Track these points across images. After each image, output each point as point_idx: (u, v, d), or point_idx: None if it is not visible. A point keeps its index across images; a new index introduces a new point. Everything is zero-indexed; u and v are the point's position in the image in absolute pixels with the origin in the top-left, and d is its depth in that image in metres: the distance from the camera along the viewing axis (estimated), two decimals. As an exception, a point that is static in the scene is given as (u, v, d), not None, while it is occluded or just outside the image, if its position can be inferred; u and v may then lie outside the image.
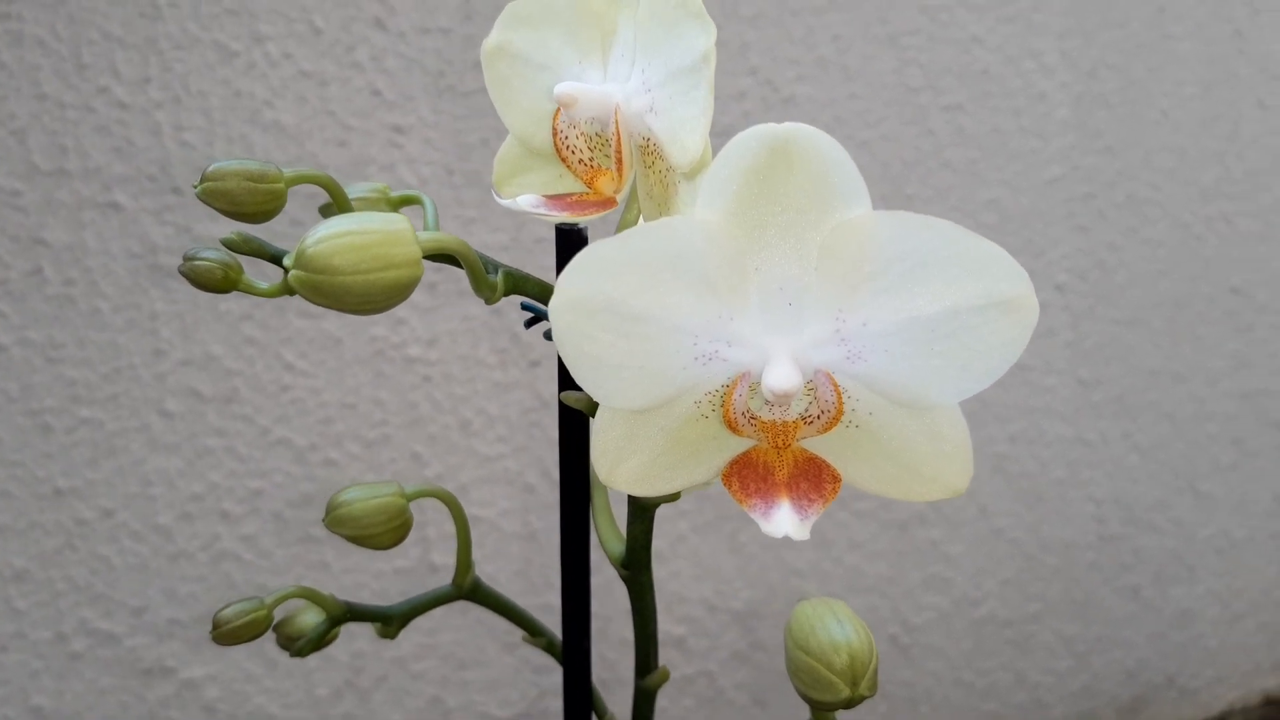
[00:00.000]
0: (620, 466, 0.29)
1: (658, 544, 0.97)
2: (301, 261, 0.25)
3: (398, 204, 0.36)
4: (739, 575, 0.98)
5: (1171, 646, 1.18)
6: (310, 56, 0.80)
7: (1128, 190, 1.09)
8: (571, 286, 0.27)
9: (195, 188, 0.30)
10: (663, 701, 0.99)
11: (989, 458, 1.06)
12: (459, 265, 0.29)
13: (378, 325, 0.84)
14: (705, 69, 0.30)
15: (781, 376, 0.27)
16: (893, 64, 0.97)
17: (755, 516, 0.28)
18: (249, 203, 0.29)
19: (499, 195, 0.36)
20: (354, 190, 0.35)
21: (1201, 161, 1.12)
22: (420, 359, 0.85)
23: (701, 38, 0.30)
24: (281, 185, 0.30)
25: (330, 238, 0.25)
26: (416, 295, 0.85)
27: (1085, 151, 1.07)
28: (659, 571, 0.96)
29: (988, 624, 1.09)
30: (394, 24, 0.82)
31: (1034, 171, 1.05)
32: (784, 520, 0.28)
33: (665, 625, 0.96)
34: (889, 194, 0.98)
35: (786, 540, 0.38)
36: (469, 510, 0.88)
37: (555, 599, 0.91)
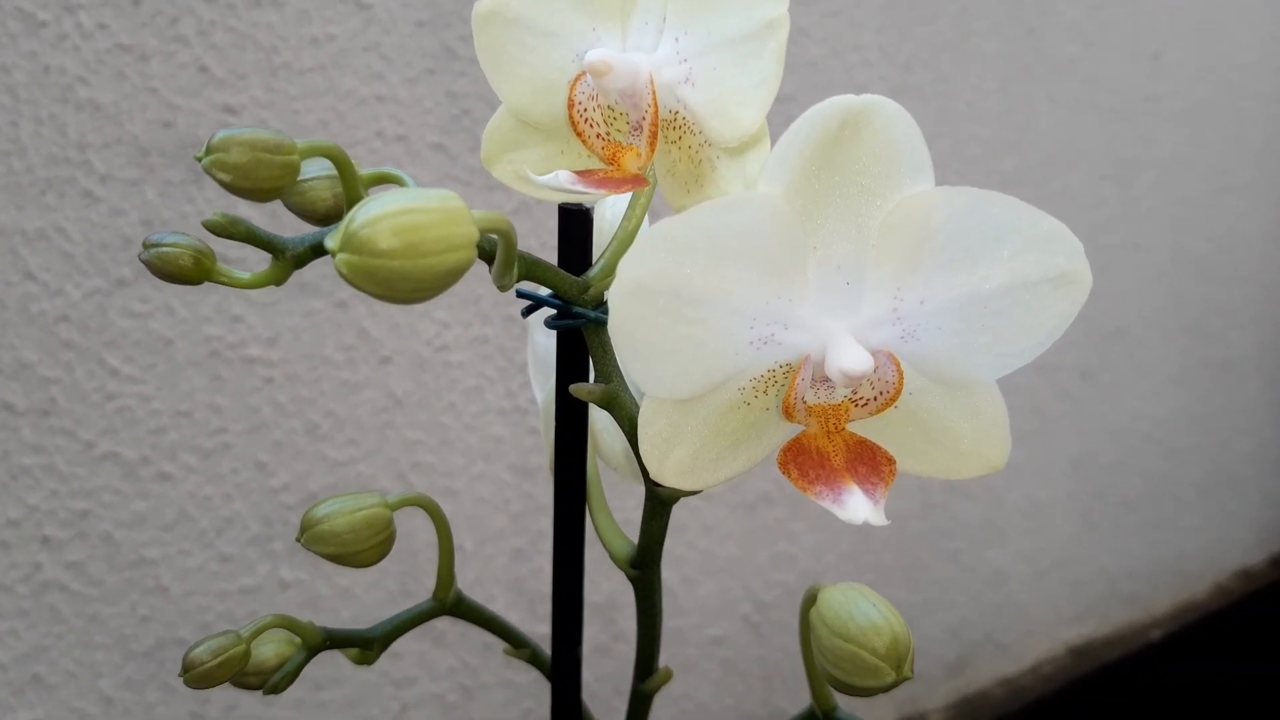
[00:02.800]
0: (668, 459, 0.28)
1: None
2: (352, 244, 0.22)
3: (370, 182, 0.32)
4: (596, 568, 0.97)
5: (988, 605, 1.26)
6: (129, 28, 0.72)
7: (940, 177, 1.16)
8: (638, 270, 0.25)
9: (199, 159, 0.26)
10: (527, 702, 0.97)
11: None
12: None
13: (212, 324, 0.78)
14: (771, 37, 0.28)
15: (853, 359, 0.26)
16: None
17: (825, 504, 0.27)
18: (263, 177, 0.25)
19: (515, 186, 0.33)
20: (321, 167, 0.31)
21: (1002, 150, 1.21)
22: (261, 359, 0.79)
23: (766, 3, 0.28)
24: (297, 158, 0.26)
25: (384, 217, 0.22)
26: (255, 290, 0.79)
27: (904, 141, 1.12)
28: (516, 570, 0.93)
29: (829, 597, 1.13)
30: (222, -5, 0.76)
31: (859, 160, 1.09)
32: (859, 505, 0.27)
33: (529, 625, 0.94)
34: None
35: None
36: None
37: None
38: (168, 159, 0.75)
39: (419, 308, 0.87)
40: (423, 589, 0.87)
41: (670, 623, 1.01)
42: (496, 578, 0.91)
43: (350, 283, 0.22)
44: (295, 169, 0.26)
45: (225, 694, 0.79)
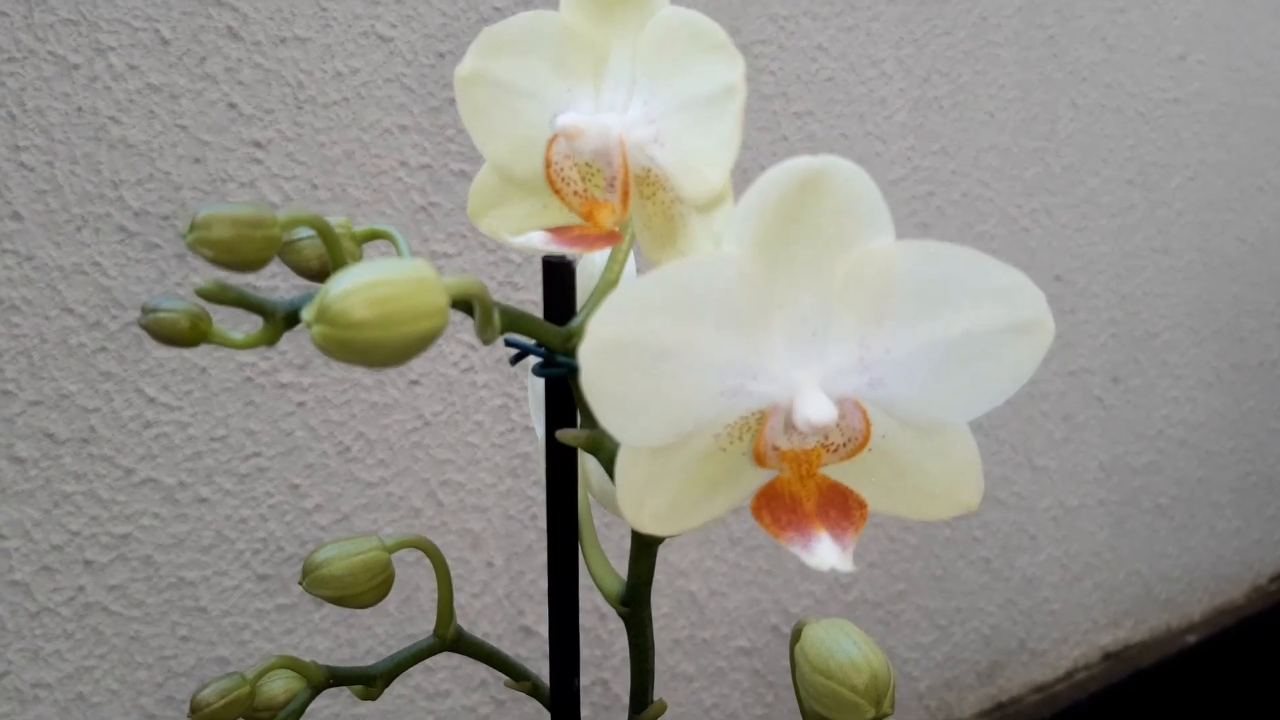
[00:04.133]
0: (645, 507, 0.29)
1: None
2: (325, 316, 0.24)
3: (362, 239, 0.34)
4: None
5: (1020, 612, 1.26)
6: (159, 69, 0.75)
7: (962, 188, 1.16)
8: (606, 329, 0.26)
9: (184, 236, 0.27)
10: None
11: (852, 448, 1.10)
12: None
13: (245, 352, 0.80)
14: (730, 101, 0.30)
15: (817, 409, 0.27)
16: (746, 72, 1.00)
17: (795, 550, 0.28)
18: (247, 251, 0.27)
19: (482, 230, 0.34)
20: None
21: (1024, 159, 1.20)
22: (293, 384, 0.82)
23: (724, 69, 0.30)
24: (278, 231, 0.27)
25: (356, 290, 0.24)
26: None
27: (924, 153, 1.12)
28: (542, 582, 0.95)
29: (859, 605, 1.13)
30: (248, 33, 0.78)
31: (878, 173, 1.09)
32: (828, 552, 0.28)
33: (557, 638, 0.95)
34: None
35: (669, 542, 0.38)
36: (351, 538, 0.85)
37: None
38: (199, 194, 0.77)
39: (446, 330, 0.89)
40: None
41: (700, 633, 1.03)
42: (526, 592, 0.93)
43: (325, 352, 0.24)
44: (277, 242, 0.27)
45: (262, 710, 0.82)
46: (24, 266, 0.71)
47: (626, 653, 0.39)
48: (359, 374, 0.84)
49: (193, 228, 0.27)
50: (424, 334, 0.25)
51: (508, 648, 0.93)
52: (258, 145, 0.79)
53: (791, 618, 1.08)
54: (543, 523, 0.95)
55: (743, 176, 0.99)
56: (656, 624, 0.99)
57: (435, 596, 0.88)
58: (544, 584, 0.94)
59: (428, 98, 0.85)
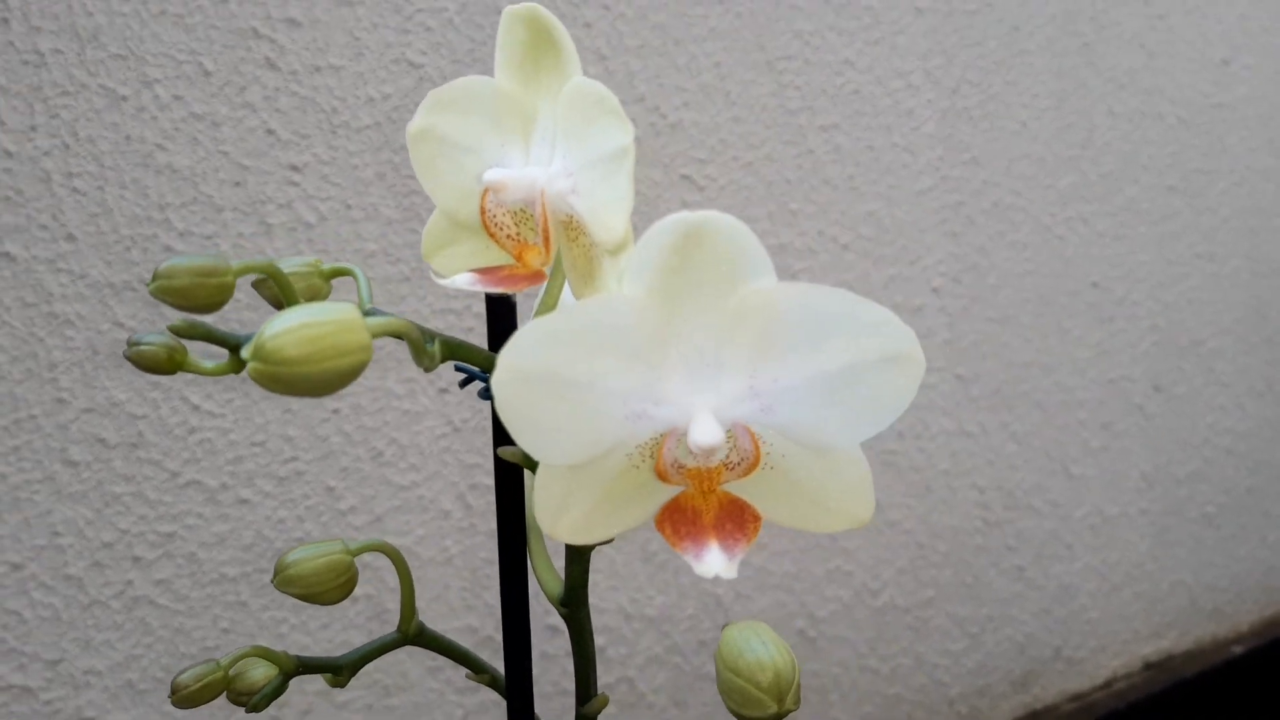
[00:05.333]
0: (562, 519, 0.32)
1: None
2: (260, 354, 0.27)
3: (329, 275, 0.38)
4: (651, 583, 1.01)
5: (1056, 621, 1.26)
6: (201, 98, 0.80)
7: (994, 197, 1.17)
8: (514, 360, 0.29)
9: (148, 286, 0.31)
10: (583, 712, 1.02)
11: (880, 454, 1.12)
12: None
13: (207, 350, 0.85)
14: (624, 160, 0.33)
15: (705, 433, 0.30)
16: (771, 88, 1.02)
17: (688, 559, 0.31)
18: (200, 296, 0.31)
19: (433, 271, 0.38)
20: (287, 265, 0.37)
21: (1059, 167, 1.21)
22: (329, 395, 0.86)
23: (618, 134, 0.33)
24: (230, 278, 0.31)
25: (286, 331, 0.27)
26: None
27: (953, 164, 1.13)
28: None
29: (887, 612, 1.14)
30: (285, 63, 0.83)
31: (906, 184, 1.11)
32: (714, 561, 0.31)
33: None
34: (775, 212, 1.03)
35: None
36: (384, 539, 0.90)
37: (474, 620, 0.93)
38: (239, 214, 0.83)
39: (477, 339, 0.93)
40: (481, 602, 0.93)
41: (724, 637, 1.05)
42: (551, 594, 0.96)
43: (260, 385, 0.28)
44: (230, 288, 0.31)
45: (301, 699, 0.87)
46: (78, 284, 0.77)
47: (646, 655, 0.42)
48: (391, 383, 0.88)
49: (156, 278, 0.31)
50: (349, 368, 0.28)
51: (535, 644, 0.97)
52: (294, 169, 0.84)
53: (818, 622, 1.10)
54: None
55: (768, 190, 1.02)
56: (683, 625, 1.02)
57: (463, 598, 0.91)
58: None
59: (457, 119, 0.89)
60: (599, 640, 0.99)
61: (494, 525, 0.94)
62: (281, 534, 0.85)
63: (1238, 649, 1.36)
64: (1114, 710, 1.26)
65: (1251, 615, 1.42)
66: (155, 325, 0.80)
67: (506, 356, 0.29)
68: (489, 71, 0.96)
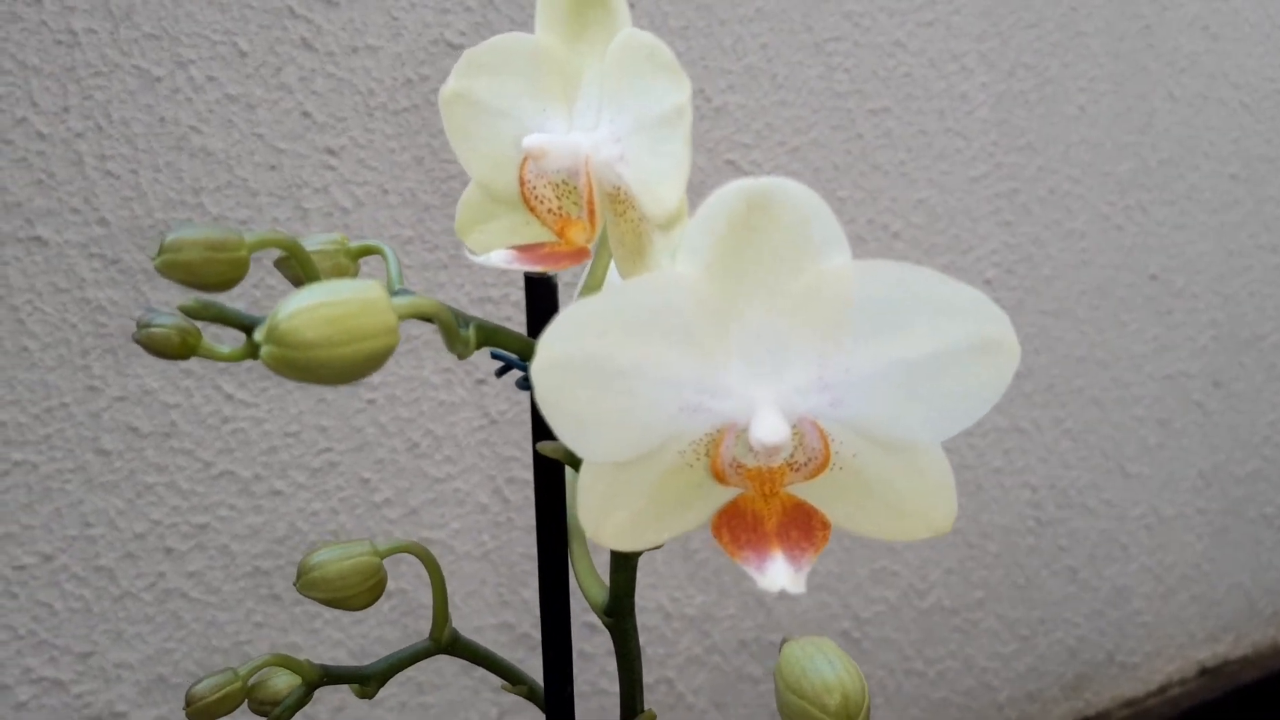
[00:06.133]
0: (607, 522, 0.29)
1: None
2: (274, 337, 0.25)
3: (357, 254, 0.35)
4: (691, 581, 0.98)
5: (1109, 624, 1.21)
6: (236, 79, 0.78)
7: (1049, 184, 1.12)
8: (555, 346, 0.27)
9: (153, 260, 0.29)
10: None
11: (929, 451, 1.08)
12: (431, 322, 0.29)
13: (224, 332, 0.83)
14: (679, 122, 0.30)
15: (769, 429, 0.27)
16: (819, 70, 0.98)
17: (749, 570, 0.28)
18: (210, 274, 0.28)
19: (468, 248, 0.35)
20: (311, 242, 0.34)
21: (1117, 154, 1.16)
22: (363, 382, 0.84)
23: (673, 91, 0.30)
24: (244, 253, 0.29)
25: (303, 311, 0.25)
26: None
27: (1007, 149, 1.09)
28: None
29: (935, 613, 1.11)
30: (321, 44, 0.81)
31: (959, 170, 1.07)
32: (779, 573, 0.28)
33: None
34: (822, 198, 0.99)
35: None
36: (420, 534, 0.88)
37: (510, 616, 0.91)
38: (275, 199, 0.81)
39: (515, 327, 0.91)
40: (518, 598, 0.91)
41: (767, 636, 1.02)
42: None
43: (275, 371, 0.25)
44: (243, 264, 0.29)
45: (333, 694, 0.85)
46: (110, 269, 0.76)
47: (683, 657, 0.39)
48: (428, 372, 0.86)
49: (162, 250, 0.28)
50: (372, 353, 0.26)
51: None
52: (331, 152, 0.82)
53: (862, 623, 1.07)
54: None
55: (814, 176, 0.98)
56: (724, 624, 0.99)
57: (499, 594, 0.89)
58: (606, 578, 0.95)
59: (495, 102, 0.87)
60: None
61: (531, 520, 0.92)
62: (315, 526, 0.83)
63: (1299, 655, 1.31)
64: (1168, 717, 1.21)
65: (1314, 621, 1.36)
66: (188, 312, 0.78)
67: (546, 342, 0.26)
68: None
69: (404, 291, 0.30)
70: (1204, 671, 1.27)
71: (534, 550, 0.94)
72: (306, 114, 0.81)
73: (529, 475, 0.91)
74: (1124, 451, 1.20)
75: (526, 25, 0.93)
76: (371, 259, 0.38)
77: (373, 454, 0.85)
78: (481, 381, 0.88)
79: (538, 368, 0.27)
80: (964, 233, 1.07)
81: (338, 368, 0.25)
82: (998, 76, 1.08)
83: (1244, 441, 1.28)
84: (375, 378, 0.85)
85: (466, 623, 0.89)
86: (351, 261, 0.35)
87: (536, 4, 0.34)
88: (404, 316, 0.26)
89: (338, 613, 0.85)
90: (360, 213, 0.83)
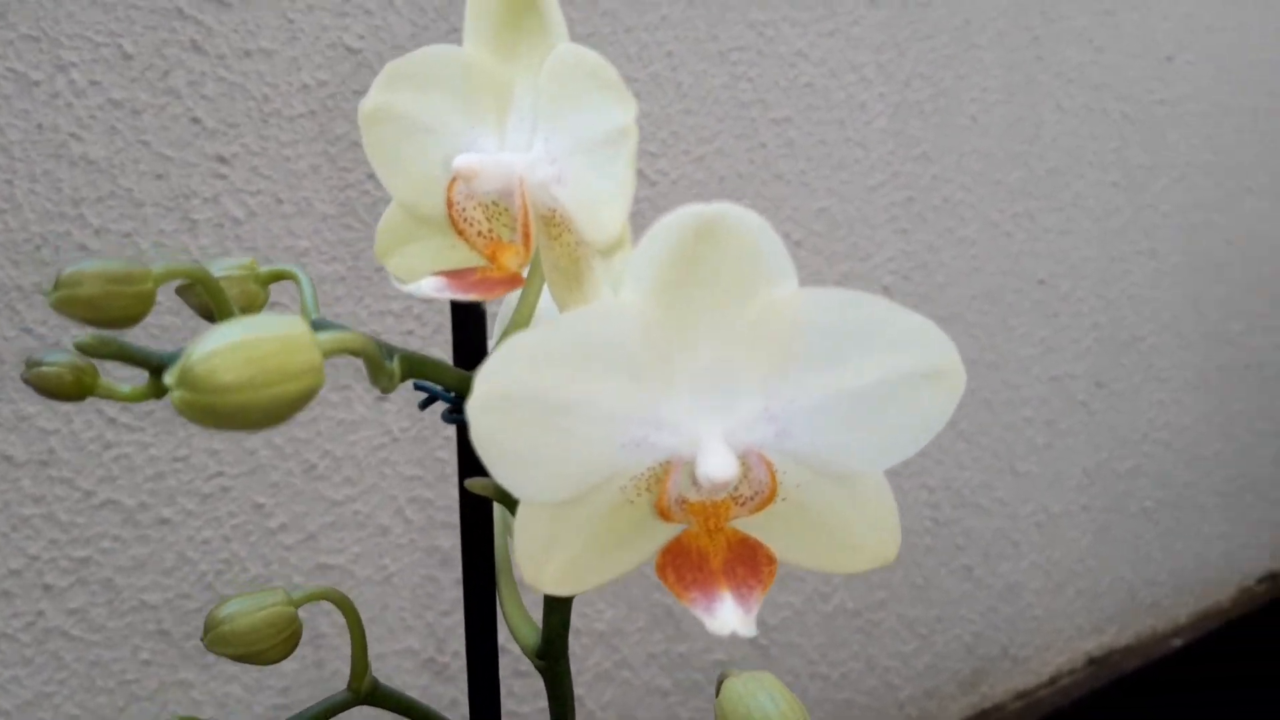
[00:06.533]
0: (547, 566, 0.28)
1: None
2: (187, 380, 0.23)
3: (267, 280, 0.33)
4: (600, 595, 0.97)
5: (1003, 619, 1.25)
6: (120, 84, 0.74)
7: (943, 193, 1.15)
8: (494, 382, 0.25)
9: (47, 295, 0.26)
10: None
11: (832, 457, 1.09)
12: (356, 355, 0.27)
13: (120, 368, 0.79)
14: (623, 144, 0.28)
15: (717, 464, 0.26)
16: (724, 79, 0.99)
17: (697, 612, 0.27)
18: (114, 309, 0.26)
19: (396, 277, 0.33)
20: (217, 268, 0.32)
21: (1007, 163, 1.19)
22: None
23: (617, 112, 0.29)
24: (150, 286, 0.26)
25: (219, 352, 0.23)
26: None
27: (904, 159, 1.11)
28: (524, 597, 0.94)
29: (838, 616, 1.12)
30: (212, 47, 0.77)
31: (858, 179, 1.09)
32: (729, 616, 0.27)
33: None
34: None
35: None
36: (317, 559, 0.84)
37: (414, 641, 0.88)
38: (161, 210, 0.77)
39: (416, 342, 0.88)
40: (422, 623, 0.88)
41: (676, 647, 1.02)
42: (497, 609, 0.92)
43: (189, 419, 0.23)
44: (150, 297, 0.26)
45: (229, 730, 0.81)
46: (-21, 286, 0.71)
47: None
48: (325, 390, 0.83)
49: (58, 285, 0.26)
50: (296, 395, 0.24)
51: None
52: (222, 160, 0.78)
53: (769, 629, 1.07)
54: (516, 537, 0.94)
55: (719, 185, 0.98)
56: (632, 638, 0.99)
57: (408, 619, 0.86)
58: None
59: (394, 109, 0.84)
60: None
61: (434, 542, 0.89)
62: (206, 555, 0.79)
63: (1176, 642, 1.36)
64: (1059, 707, 1.25)
65: (1189, 608, 1.43)
66: (69, 332, 0.74)
67: (485, 379, 0.25)
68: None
69: (325, 324, 0.28)
70: (1091, 661, 1.32)
71: (436, 573, 0.91)
72: (196, 120, 0.77)
73: (431, 495, 0.89)
74: (1014, 451, 1.24)
75: (429, 29, 0.90)
76: (283, 283, 0.35)
77: (267, 477, 0.82)
78: (382, 398, 0.85)
79: (475, 405, 0.25)
80: (863, 240, 1.09)
81: (258, 413, 0.23)
82: (895, 87, 1.10)
83: (1124, 439, 1.34)
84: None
85: (371, 648, 0.86)
86: (261, 288, 0.33)
87: (465, 14, 0.33)
88: (329, 354, 0.25)
89: (233, 642, 0.81)
90: (253, 223, 0.80)
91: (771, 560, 0.28)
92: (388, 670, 0.87)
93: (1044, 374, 1.25)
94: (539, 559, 0.28)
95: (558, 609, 0.34)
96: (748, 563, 0.28)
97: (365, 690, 0.36)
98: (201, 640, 0.34)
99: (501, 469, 0.26)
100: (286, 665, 0.82)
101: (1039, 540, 1.27)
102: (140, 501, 0.76)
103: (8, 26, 0.71)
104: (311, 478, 0.83)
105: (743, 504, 0.29)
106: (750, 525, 0.29)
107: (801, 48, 1.03)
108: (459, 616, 0.90)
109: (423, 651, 0.88)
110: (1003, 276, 1.21)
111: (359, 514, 0.85)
